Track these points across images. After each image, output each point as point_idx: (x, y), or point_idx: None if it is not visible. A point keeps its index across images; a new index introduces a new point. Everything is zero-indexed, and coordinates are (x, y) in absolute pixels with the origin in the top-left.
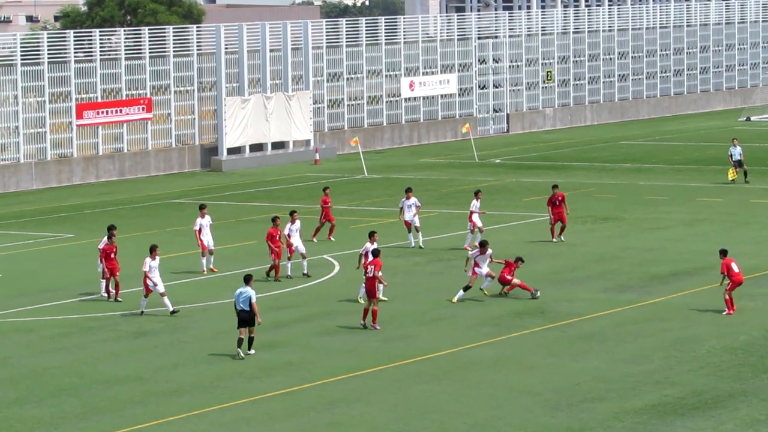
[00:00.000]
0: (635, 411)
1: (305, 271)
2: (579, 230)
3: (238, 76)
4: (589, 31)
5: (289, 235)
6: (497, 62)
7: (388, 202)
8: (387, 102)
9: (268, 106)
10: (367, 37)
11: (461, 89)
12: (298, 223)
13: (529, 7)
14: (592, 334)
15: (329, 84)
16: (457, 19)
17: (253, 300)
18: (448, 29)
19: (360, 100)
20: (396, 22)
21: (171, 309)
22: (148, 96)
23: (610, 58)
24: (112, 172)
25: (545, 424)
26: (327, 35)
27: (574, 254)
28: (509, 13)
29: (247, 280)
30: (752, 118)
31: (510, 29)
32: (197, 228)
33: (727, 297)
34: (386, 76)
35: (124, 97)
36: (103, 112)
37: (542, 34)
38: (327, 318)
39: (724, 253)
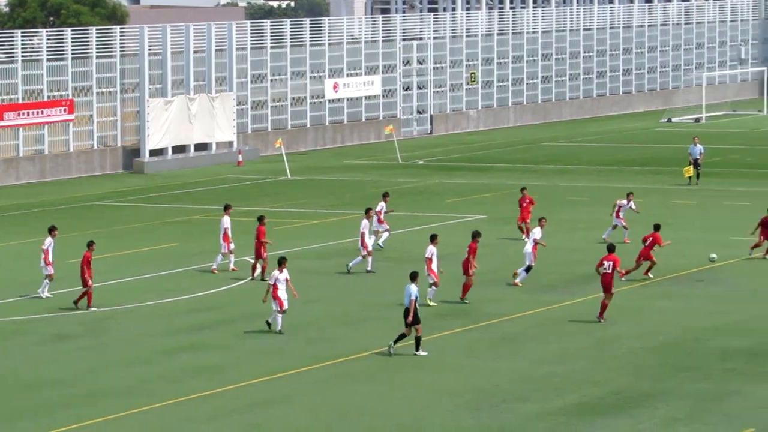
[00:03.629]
0: (556, 411)
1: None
2: (502, 231)
3: (162, 77)
4: (513, 33)
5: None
6: (421, 64)
7: (311, 203)
8: (311, 103)
9: (192, 107)
10: (291, 38)
11: (385, 91)
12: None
13: (453, 10)
14: (515, 335)
15: (253, 85)
16: (382, 20)
17: (413, 297)
18: (372, 31)
19: (284, 101)
20: (321, 23)
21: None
22: (70, 98)
23: (534, 60)
24: (32, 174)
25: (467, 425)
26: (251, 37)
27: (497, 255)
28: (434, 15)
29: (413, 277)
30: (673, 120)
31: (434, 31)
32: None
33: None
34: (310, 77)
35: (45, 99)
36: (24, 114)
37: (466, 36)
38: (250, 320)
39: (656, 228)
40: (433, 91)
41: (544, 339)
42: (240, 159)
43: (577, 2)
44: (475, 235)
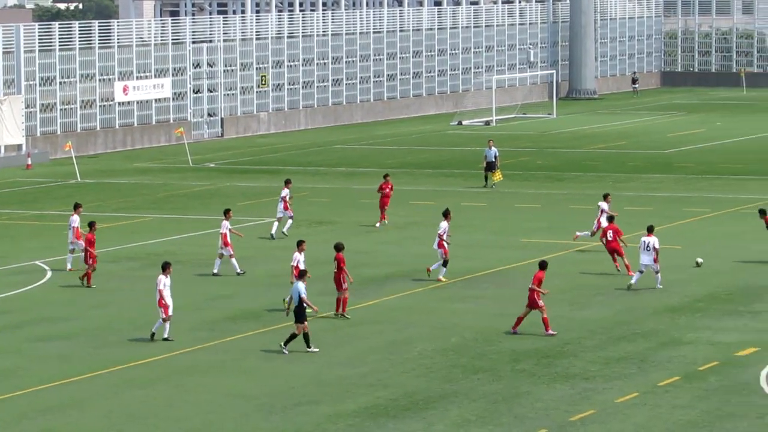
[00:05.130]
0: (349, 413)
1: (238, 270)
2: (294, 234)
3: None
4: (303, 36)
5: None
6: (211, 66)
7: (102, 207)
8: (101, 106)
9: None
10: (80, 41)
11: (175, 93)
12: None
13: (243, 12)
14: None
15: (42, 88)
16: (171, 23)
17: (302, 294)
18: (162, 33)
19: (73, 104)
20: (109, 26)
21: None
22: None
23: (324, 63)
24: None
25: (260, 428)
26: (39, 39)
27: (289, 258)
28: (223, 17)
29: (301, 275)
30: (464, 122)
31: (224, 34)
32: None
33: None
34: (100, 80)
35: None
36: None
37: (256, 39)
38: (39, 324)
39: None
40: (224, 94)
41: (337, 342)
42: (29, 162)
43: (367, 5)
44: (340, 248)
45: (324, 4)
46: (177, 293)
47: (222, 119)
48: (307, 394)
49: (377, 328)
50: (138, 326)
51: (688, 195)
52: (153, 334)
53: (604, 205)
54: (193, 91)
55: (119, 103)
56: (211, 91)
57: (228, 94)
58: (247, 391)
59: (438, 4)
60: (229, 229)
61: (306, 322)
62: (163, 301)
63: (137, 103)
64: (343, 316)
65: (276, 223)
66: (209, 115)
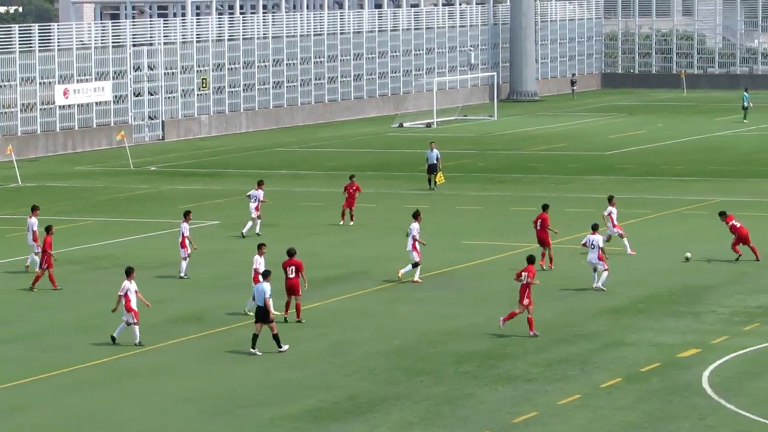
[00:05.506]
0: (292, 416)
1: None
2: (236, 237)
3: None
4: (243, 39)
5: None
6: (152, 69)
7: (44, 210)
8: (41, 109)
9: None
10: (20, 44)
11: (116, 96)
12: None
13: (183, 15)
14: (250, 340)
15: None
16: (112, 26)
17: (267, 296)
18: (102, 36)
19: (13, 107)
20: (50, 29)
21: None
22: None
23: (265, 66)
24: None
25: (203, 431)
26: None
27: (231, 261)
28: (164, 20)
29: (266, 275)
30: (405, 125)
31: (165, 36)
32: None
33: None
34: (40, 83)
35: None
36: None
37: (197, 42)
38: None
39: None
40: (165, 97)
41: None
42: None
43: (308, 8)
44: (292, 253)
45: (264, 7)
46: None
47: (163, 122)
48: (250, 397)
49: (321, 331)
50: (81, 329)
51: (629, 196)
52: (114, 338)
53: (611, 209)
54: (134, 94)
55: (60, 107)
56: (152, 94)
57: (169, 97)
58: (190, 394)
59: (378, 6)
60: (185, 236)
61: (274, 323)
62: (132, 306)
63: (78, 106)
64: (299, 321)
65: (250, 223)
66: (150, 118)
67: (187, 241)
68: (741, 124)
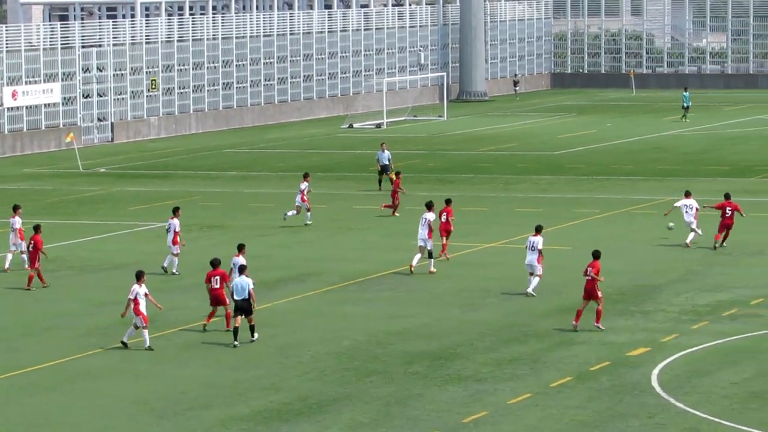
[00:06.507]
0: (241, 418)
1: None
2: (185, 239)
3: None
4: (193, 40)
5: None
6: (101, 71)
7: None
8: None
9: None
10: None
11: (65, 98)
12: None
13: (132, 16)
14: (199, 342)
15: None
16: (61, 27)
17: (251, 288)
18: (51, 38)
19: None
20: None
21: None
22: None
23: (215, 67)
24: None
25: None
26: None
27: (180, 262)
28: (113, 21)
29: (242, 270)
30: (355, 125)
31: (114, 38)
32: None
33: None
34: None
35: None
36: None
37: (146, 43)
38: None
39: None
40: (114, 99)
41: (229, 345)
42: None
43: (257, 9)
44: (216, 264)
45: (214, 8)
46: (67, 299)
47: (112, 124)
48: (200, 398)
49: (270, 332)
50: (29, 332)
51: (578, 196)
52: (125, 343)
53: (687, 201)
54: (83, 95)
55: (8, 108)
56: (101, 96)
57: (118, 99)
58: (140, 396)
59: (328, 7)
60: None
61: (253, 315)
62: (141, 310)
63: (26, 108)
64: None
65: (293, 212)
66: (99, 119)
67: (178, 238)
68: (686, 123)
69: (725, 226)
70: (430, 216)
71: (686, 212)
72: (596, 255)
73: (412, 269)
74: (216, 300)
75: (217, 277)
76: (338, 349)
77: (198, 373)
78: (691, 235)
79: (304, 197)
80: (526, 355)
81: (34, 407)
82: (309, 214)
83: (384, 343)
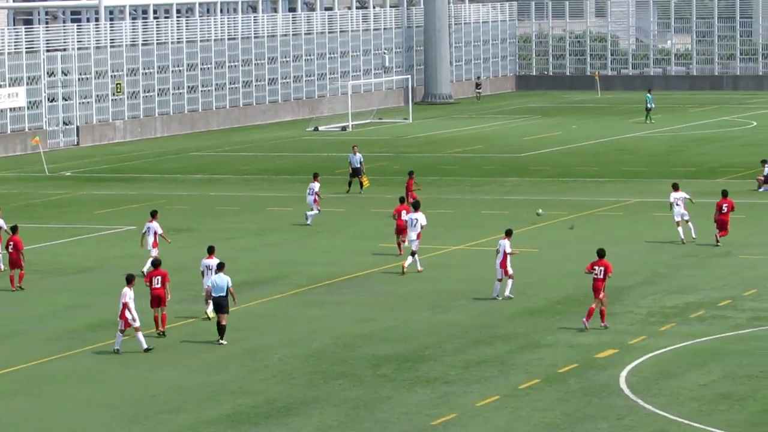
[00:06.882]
0: (211, 421)
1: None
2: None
3: None
4: (158, 43)
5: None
6: (66, 75)
7: None
8: None
9: None
10: None
11: (30, 102)
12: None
13: (97, 20)
14: (168, 346)
15: None
16: (25, 31)
17: (230, 285)
18: (15, 42)
19: None
20: None
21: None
22: None
23: (180, 70)
24: None
25: None
26: None
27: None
28: (78, 25)
29: (221, 267)
30: (320, 128)
31: (79, 41)
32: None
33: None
34: None
35: None
36: None
37: (111, 47)
38: None
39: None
40: (79, 102)
41: (198, 349)
42: None
43: (221, 12)
44: (157, 264)
45: (178, 12)
46: (34, 303)
47: (78, 127)
48: (169, 402)
49: (237, 335)
50: None
51: (544, 198)
52: (117, 350)
53: (676, 194)
54: (48, 99)
55: None
56: (66, 100)
57: (83, 102)
58: (109, 400)
59: (292, 10)
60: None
61: (227, 314)
62: (127, 314)
63: None
64: (162, 333)
65: (316, 211)
66: (65, 123)
67: (157, 240)
68: (652, 125)
69: (721, 222)
70: (421, 217)
71: (677, 205)
72: (601, 253)
73: (404, 270)
74: (157, 300)
75: (159, 277)
76: (306, 352)
77: (167, 377)
78: (692, 228)
79: (316, 198)
80: (494, 357)
81: (1, 411)
82: (311, 215)
83: (352, 346)
